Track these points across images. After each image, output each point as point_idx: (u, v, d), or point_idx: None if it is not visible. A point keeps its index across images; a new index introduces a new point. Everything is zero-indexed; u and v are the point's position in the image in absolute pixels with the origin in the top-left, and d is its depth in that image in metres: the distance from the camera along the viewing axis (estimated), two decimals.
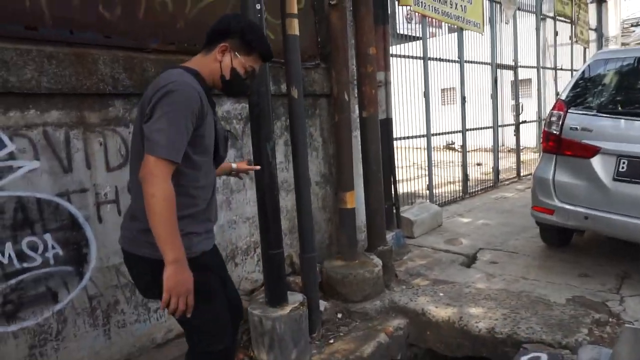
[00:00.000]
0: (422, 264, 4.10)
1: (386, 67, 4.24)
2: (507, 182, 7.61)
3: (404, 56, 5.53)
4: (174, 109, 1.49)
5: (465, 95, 6.51)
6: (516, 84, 7.77)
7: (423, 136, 5.86)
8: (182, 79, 1.56)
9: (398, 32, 6.93)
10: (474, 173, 7.46)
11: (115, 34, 2.46)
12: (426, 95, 5.80)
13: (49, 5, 2.20)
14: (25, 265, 2.16)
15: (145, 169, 1.46)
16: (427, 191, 6.04)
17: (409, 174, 6.31)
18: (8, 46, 2.06)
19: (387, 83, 4.27)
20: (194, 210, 1.68)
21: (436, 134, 6.09)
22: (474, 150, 8.62)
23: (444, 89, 12.59)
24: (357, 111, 3.63)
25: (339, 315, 3.16)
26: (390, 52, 4.62)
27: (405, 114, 5.67)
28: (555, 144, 3.66)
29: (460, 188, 6.79)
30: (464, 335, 2.88)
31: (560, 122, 3.65)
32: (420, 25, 5.89)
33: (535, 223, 4.18)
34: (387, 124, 4.31)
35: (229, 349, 1.82)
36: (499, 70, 7.34)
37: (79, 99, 2.31)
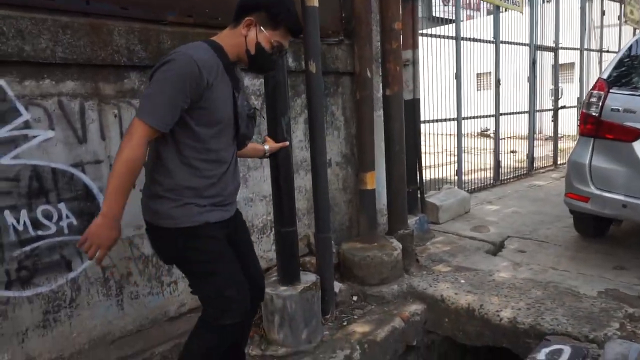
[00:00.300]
0: (445, 250, 3.96)
1: (414, 45, 4.07)
2: (542, 171, 7.28)
3: (435, 35, 5.31)
4: (165, 77, 1.50)
5: (500, 78, 6.22)
6: (556, 67, 7.37)
7: (453, 119, 5.65)
8: (186, 50, 1.55)
9: (434, 14, 6.70)
10: (507, 160, 7.17)
11: (132, 6, 2.43)
12: (458, 77, 5.57)
13: None
14: (39, 233, 2.19)
15: (129, 128, 1.53)
16: (456, 177, 5.84)
17: (439, 160, 6.13)
18: (24, 15, 2.06)
19: (414, 62, 4.10)
20: (197, 183, 1.66)
21: (467, 118, 5.87)
22: (510, 137, 8.29)
23: (479, 74, 12.19)
24: (380, 89, 3.50)
25: (355, 298, 3.09)
26: (422, 32, 4.44)
27: (437, 97, 5.48)
28: (594, 126, 3.42)
29: (492, 175, 6.54)
30: (484, 324, 2.76)
31: (601, 103, 3.40)
32: (454, 3, 5.62)
33: (569, 212, 3.95)
34: (414, 104, 4.16)
35: (236, 325, 1.76)
36: (538, 53, 6.98)
37: (94, 70, 2.30)
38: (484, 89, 9.78)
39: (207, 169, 1.67)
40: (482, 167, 6.96)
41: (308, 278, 2.66)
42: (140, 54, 2.43)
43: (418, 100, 4.17)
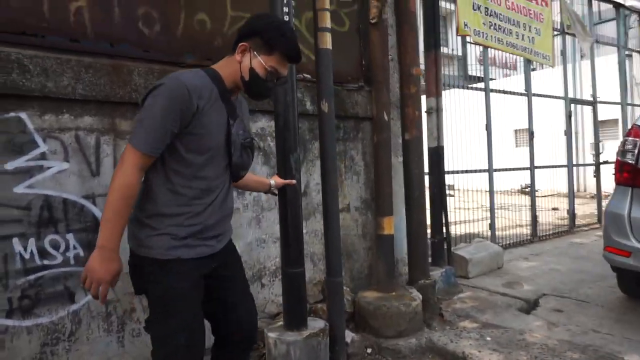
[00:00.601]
0: (473, 305, 3.68)
1: (438, 93, 4.06)
2: (585, 228, 6.83)
3: (466, 87, 5.30)
4: (155, 102, 1.48)
5: (535, 131, 6.06)
6: (595, 121, 7.12)
7: (485, 171, 5.47)
8: (177, 75, 1.54)
9: (470, 73, 6.76)
10: (548, 217, 6.81)
11: (153, 49, 2.57)
12: (488, 128, 5.47)
13: (91, 20, 2.36)
14: (45, 262, 2.21)
15: (122, 155, 1.50)
16: (489, 231, 5.56)
17: (474, 216, 5.90)
18: (50, 55, 2.21)
19: (438, 109, 4.07)
20: (179, 210, 1.57)
21: (499, 170, 5.67)
22: (552, 195, 7.94)
23: (517, 130, 12.02)
24: (400, 135, 3.46)
25: (369, 350, 2.87)
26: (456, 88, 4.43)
27: (473, 150, 5.38)
28: (631, 174, 3.20)
29: (529, 231, 6.19)
30: None
31: (637, 150, 3.19)
32: (482, 54, 5.64)
33: (611, 269, 3.62)
34: (438, 151, 4.07)
35: None
36: (579, 108, 6.81)
37: (112, 107, 2.41)
38: (522, 145, 9.58)
39: (194, 196, 1.59)
40: (520, 224, 6.64)
41: (316, 324, 2.51)
42: None
43: (442, 148, 4.09)
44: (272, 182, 2.22)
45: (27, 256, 2.16)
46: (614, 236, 3.24)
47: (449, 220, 4.18)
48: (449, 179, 5.27)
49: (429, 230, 4.24)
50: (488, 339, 2.93)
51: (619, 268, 3.45)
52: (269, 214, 3.04)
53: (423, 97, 4.05)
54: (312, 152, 3.24)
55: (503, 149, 6.42)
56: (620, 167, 3.29)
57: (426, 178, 4.19)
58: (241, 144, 1.70)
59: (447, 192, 6.40)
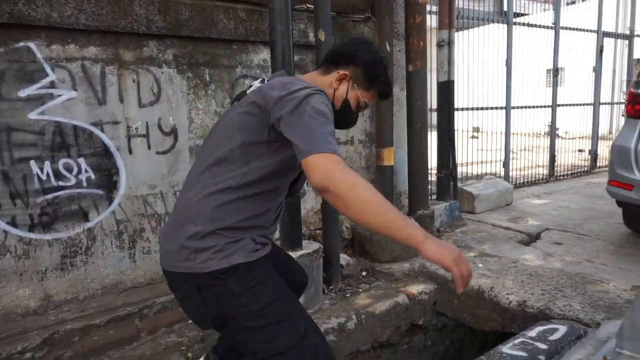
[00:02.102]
0: (473, 237, 3.79)
1: (450, 25, 3.93)
2: (606, 169, 6.66)
3: (483, 19, 5.08)
4: (316, 107, 1.25)
5: (564, 67, 5.81)
6: (630, 56, 6.73)
7: (502, 108, 5.37)
8: (314, 90, 1.33)
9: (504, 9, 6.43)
10: (571, 159, 6.66)
11: None
12: (508, 63, 5.28)
13: None
14: (60, 183, 2.42)
15: (318, 170, 1.15)
16: (503, 169, 5.54)
17: (494, 157, 5.84)
18: None
19: (450, 42, 3.96)
20: (261, 220, 1.41)
21: (517, 107, 5.53)
22: (581, 137, 7.72)
23: (549, 70, 11.46)
24: (405, 66, 3.43)
25: (363, 273, 3.06)
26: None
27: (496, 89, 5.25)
28: None
29: (547, 171, 6.12)
30: (492, 307, 2.62)
31: None
32: None
33: (617, 205, 3.61)
34: (448, 86, 4.01)
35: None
36: (612, 42, 6.43)
37: (115, 37, 2.50)
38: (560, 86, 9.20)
39: (271, 206, 1.44)
40: (540, 165, 6.55)
41: (311, 246, 2.69)
42: (159, 24, 2.59)
43: (452, 82, 4.02)
44: None
45: (43, 177, 2.37)
46: (618, 170, 3.21)
47: (455, 155, 4.19)
48: (473, 121, 5.23)
49: (434, 165, 4.29)
50: (480, 265, 3.06)
51: (623, 203, 3.45)
52: None
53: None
54: None
55: (533, 88, 6.17)
56: (633, 99, 3.19)
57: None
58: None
59: (473, 134, 6.35)
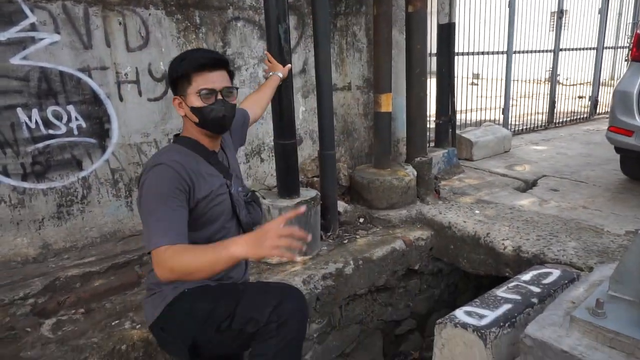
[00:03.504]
0: (471, 184, 3.80)
1: None
2: (607, 116, 6.60)
3: None
4: (148, 198, 1.34)
5: (565, 9, 5.59)
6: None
7: (502, 53, 5.21)
8: (153, 162, 1.40)
9: None
10: (572, 106, 6.57)
11: None
12: (511, 5, 5.07)
13: None
14: (50, 131, 2.35)
15: (154, 267, 1.31)
16: (502, 116, 5.47)
17: (493, 104, 5.73)
18: None
19: None
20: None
21: (519, 52, 5.37)
22: (582, 83, 7.56)
23: (554, 13, 11.04)
24: (404, 8, 3.27)
25: (361, 220, 3.08)
26: None
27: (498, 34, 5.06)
28: None
29: (546, 118, 6.05)
30: (487, 251, 2.66)
31: None
32: None
33: (615, 151, 3.60)
34: (449, 29, 3.86)
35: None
36: None
37: None
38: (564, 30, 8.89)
39: None
40: (539, 112, 6.46)
41: (308, 193, 2.68)
42: None
43: (453, 25, 3.87)
44: (279, 74, 2.25)
45: (32, 125, 2.30)
46: (619, 115, 3.16)
47: (454, 102, 4.11)
48: (473, 68, 5.09)
49: (433, 112, 4.22)
50: (476, 211, 3.08)
51: (622, 149, 3.43)
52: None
53: None
54: (312, 27, 3.13)
55: (535, 33, 5.95)
56: (639, 41, 3.08)
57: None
58: (245, 202, 1.59)
59: (472, 80, 6.20)
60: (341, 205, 2.98)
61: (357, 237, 2.89)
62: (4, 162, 2.26)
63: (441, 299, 3.15)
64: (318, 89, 2.66)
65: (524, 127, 5.72)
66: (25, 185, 2.34)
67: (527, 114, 6.43)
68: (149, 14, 2.54)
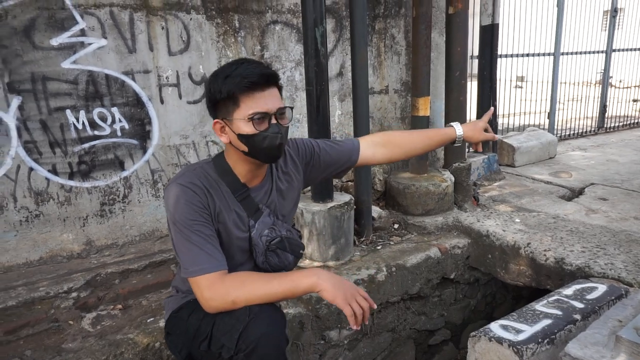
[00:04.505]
0: (511, 191, 3.66)
1: None
2: None
3: None
4: (175, 227, 1.25)
5: (620, 7, 5.30)
6: None
7: (550, 54, 5.00)
8: (173, 184, 1.28)
9: None
10: (624, 110, 6.21)
11: None
12: (560, 4, 4.86)
13: None
14: (96, 132, 2.46)
15: (198, 295, 1.24)
16: (548, 120, 5.25)
17: (539, 108, 5.51)
18: None
19: None
20: None
21: (567, 53, 5.14)
22: (636, 86, 7.15)
23: (607, 11, 10.49)
24: (445, 9, 3.20)
25: (396, 226, 3.03)
26: None
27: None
28: None
29: (595, 122, 5.76)
30: (528, 262, 2.55)
31: None
32: None
33: None
34: (492, 30, 3.74)
35: None
36: None
37: None
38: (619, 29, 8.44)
39: None
40: (588, 116, 6.15)
41: (342, 198, 2.66)
42: None
43: (497, 26, 3.74)
44: (460, 130, 1.61)
45: (79, 127, 2.41)
46: None
47: (497, 106, 3.98)
48: (517, 70, 4.93)
49: (474, 117, 4.11)
50: (517, 220, 2.96)
51: None
52: (304, 94, 3.07)
53: None
54: (349, 30, 3.12)
55: (586, 33, 5.66)
56: None
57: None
58: (267, 247, 1.37)
59: (517, 83, 6.00)
60: (375, 211, 2.95)
61: (391, 243, 2.84)
62: (54, 161, 2.38)
63: (477, 310, 3.05)
64: (354, 93, 2.64)
65: (572, 132, 5.46)
66: (72, 183, 2.45)
67: (576, 118, 6.13)
68: (190, 19, 2.60)
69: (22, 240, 2.37)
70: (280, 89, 1.30)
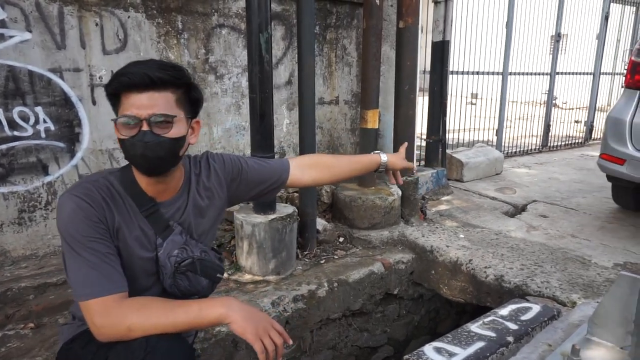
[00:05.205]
0: (458, 206, 3.69)
1: None
2: None
3: None
4: (65, 242, 1.10)
5: (564, 32, 5.55)
6: (636, 24, 6.45)
7: (498, 74, 5.15)
8: (65, 197, 1.12)
9: None
10: (566, 130, 6.50)
11: None
12: (508, 26, 5.02)
13: None
14: (16, 133, 2.25)
15: (88, 320, 1.09)
16: (496, 137, 5.39)
17: (489, 125, 5.64)
18: None
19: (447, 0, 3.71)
20: None
21: (515, 74, 5.32)
22: (579, 108, 7.52)
23: (552, 36, 11.07)
24: (395, 22, 3.20)
25: (341, 239, 2.97)
26: None
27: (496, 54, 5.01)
28: None
29: (540, 140, 5.98)
30: (469, 279, 2.54)
31: None
32: None
33: (607, 179, 3.51)
34: (442, 47, 3.79)
35: None
36: (619, 9, 6.12)
37: None
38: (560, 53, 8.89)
39: None
40: (534, 134, 6.38)
41: (285, 210, 2.57)
42: None
43: (447, 43, 3.80)
44: (384, 157, 1.60)
45: None
46: (611, 143, 3.07)
47: (446, 120, 4.03)
48: (472, 87, 5.04)
49: (424, 131, 4.14)
50: (461, 236, 2.97)
51: (613, 178, 3.34)
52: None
53: None
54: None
55: (534, 55, 5.92)
56: (633, 68, 3.01)
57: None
58: (175, 269, 1.23)
59: (470, 100, 6.14)
60: (320, 224, 2.87)
61: (335, 257, 2.77)
62: None
63: (421, 326, 3.03)
64: (300, 102, 2.57)
65: (518, 150, 5.64)
66: None
67: (522, 136, 6.35)
68: (128, 17, 2.45)
69: None
70: (186, 94, 1.15)
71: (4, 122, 2.21)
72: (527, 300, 1.98)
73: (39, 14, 2.22)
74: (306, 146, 2.62)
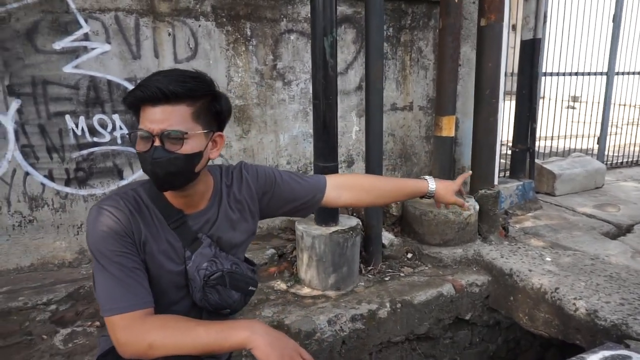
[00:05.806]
0: (547, 224, 3.30)
1: None
2: None
3: None
4: (93, 256, 1.07)
5: None
6: None
7: (602, 74, 4.56)
8: (94, 210, 1.09)
9: None
10: None
11: None
12: (616, 19, 4.43)
13: None
14: (95, 139, 2.39)
15: (112, 337, 1.06)
16: (597, 146, 4.79)
17: (591, 131, 5.04)
18: None
19: None
20: None
21: (623, 73, 4.68)
22: None
23: None
24: (476, 20, 2.93)
25: (409, 256, 2.77)
26: None
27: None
28: None
29: None
30: (554, 311, 2.22)
31: None
32: None
33: None
34: (533, 45, 3.42)
35: None
36: None
37: None
38: None
39: None
40: None
41: (348, 222, 2.45)
42: None
43: (539, 41, 3.42)
44: (432, 184, 1.45)
45: (79, 132, 2.35)
46: None
47: (535, 127, 3.64)
48: (571, 89, 4.55)
49: (510, 138, 3.78)
50: (548, 259, 2.62)
51: None
52: None
53: None
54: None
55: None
56: None
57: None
58: (204, 282, 1.17)
59: (569, 104, 5.55)
60: (387, 238, 2.70)
61: (401, 275, 2.59)
62: (50, 167, 2.33)
63: (497, 356, 2.73)
64: (367, 109, 2.43)
65: (625, 160, 4.96)
66: (68, 190, 2.39)
67: (631, 144, 5.59)
68: (199, 26, 2.50)
69: (14, 245, 2.32)
70: (201, 106, 1.06)
71: (86, 129, 2.36)
72: (627, 346, 1.66)
73: (117, 26, 2.33)
74: (372, 156, 2.48)
